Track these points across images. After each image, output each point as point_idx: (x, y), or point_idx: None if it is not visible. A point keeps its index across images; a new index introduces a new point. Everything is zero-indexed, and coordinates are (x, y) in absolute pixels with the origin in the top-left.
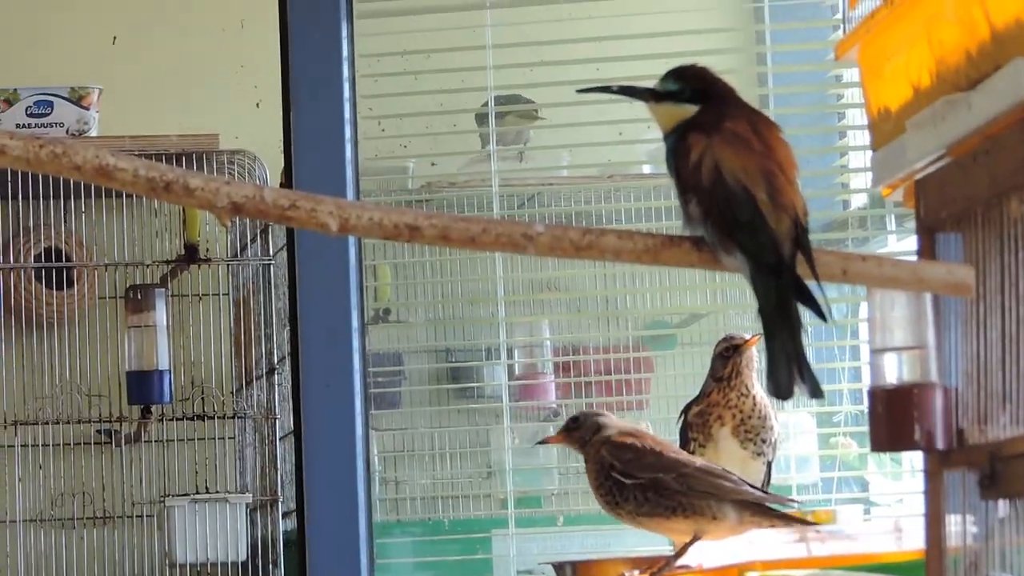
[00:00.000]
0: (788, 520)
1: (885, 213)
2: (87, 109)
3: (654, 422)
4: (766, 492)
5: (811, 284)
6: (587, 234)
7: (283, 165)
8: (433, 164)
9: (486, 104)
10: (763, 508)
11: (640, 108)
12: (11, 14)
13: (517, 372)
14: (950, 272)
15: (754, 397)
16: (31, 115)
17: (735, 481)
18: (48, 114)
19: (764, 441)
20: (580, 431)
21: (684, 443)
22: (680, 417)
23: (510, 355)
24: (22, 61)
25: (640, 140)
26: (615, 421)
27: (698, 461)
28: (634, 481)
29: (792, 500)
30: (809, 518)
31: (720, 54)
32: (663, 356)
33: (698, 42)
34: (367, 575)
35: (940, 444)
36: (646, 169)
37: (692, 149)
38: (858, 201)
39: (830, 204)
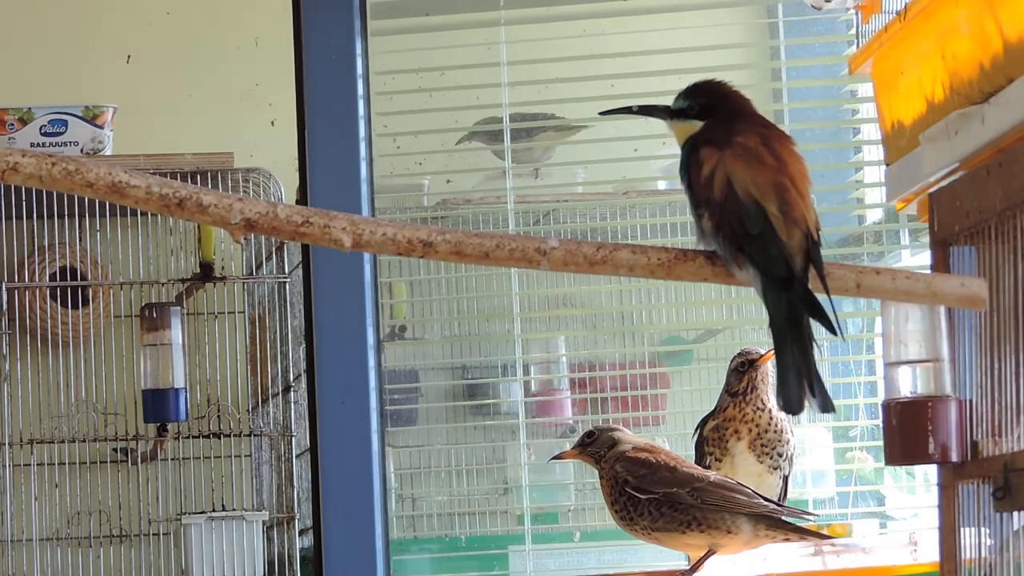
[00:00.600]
0: (803, 533)
1: (900, 228)
2: (101, 128)
3: (670, 438)
4: (781, 505)
5: (823, 299)
6: (601, 249)
7: (298, 183)
8: (448, 181)
9: (495, 120)
10: (778, 521)
11: (655, 124)
12: (25, 33)
13: (533, 388)
14: (964, 285)
15: (770, 411)
16: (45, 134)
17: (749, 494)
18: (62, 133)
19: (780, 455)
20: (594, 446)
21: (700, 458)
22: (696, 432)
23: (526, 371)
24: (36, 80)
25: (655, 156)
26: (630, 436)
27: (712, 475)
28: (648, 496)
29: (807, 513)
30: (824, 531)
31: (735, 69)
32: (679, 372)
33: (713, 58)
34: None
35: (954, 457)
36: (661, 185)
37: (704, 163)
38: (873, 216)
39: (845, 219)
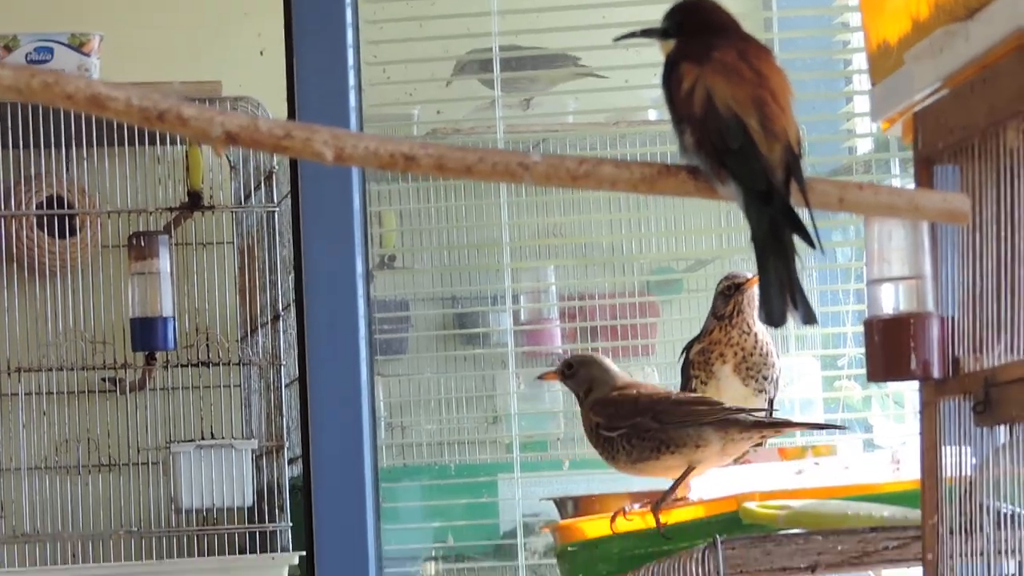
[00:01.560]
0: (776, 426)
1: (890, 157)
2: (88, 56)
3: (660, 367)
4: (742, 409)
5: (804, 214)
6: (584, 163)
7: (286, 112)
8: (439, 112)
9: (486, 51)
10: (746, 424)
11: (645, 54)
12: None
13: (523, 318)
14: (946, 200)
15: (756, 335)
16: (31, 61)
17: (711, 403)
18: (48, 60)
19: (766, 379)
20: (574, 381)
21: (686, 382)
22: (681, 356)
23: (515, 301)
24: (22, 7)
25: (646, 86)
26: (607, 376)
27: (673, 395)
28: (618, 432)
29: (758, 411)
30: (808, 452)
31: None
32: (669, 301)
33: None
34: (373, 520)
35: (936, 373)
36: (652, 115)
37: (684, 79)
38: (864, 146)
39: (835, 149)
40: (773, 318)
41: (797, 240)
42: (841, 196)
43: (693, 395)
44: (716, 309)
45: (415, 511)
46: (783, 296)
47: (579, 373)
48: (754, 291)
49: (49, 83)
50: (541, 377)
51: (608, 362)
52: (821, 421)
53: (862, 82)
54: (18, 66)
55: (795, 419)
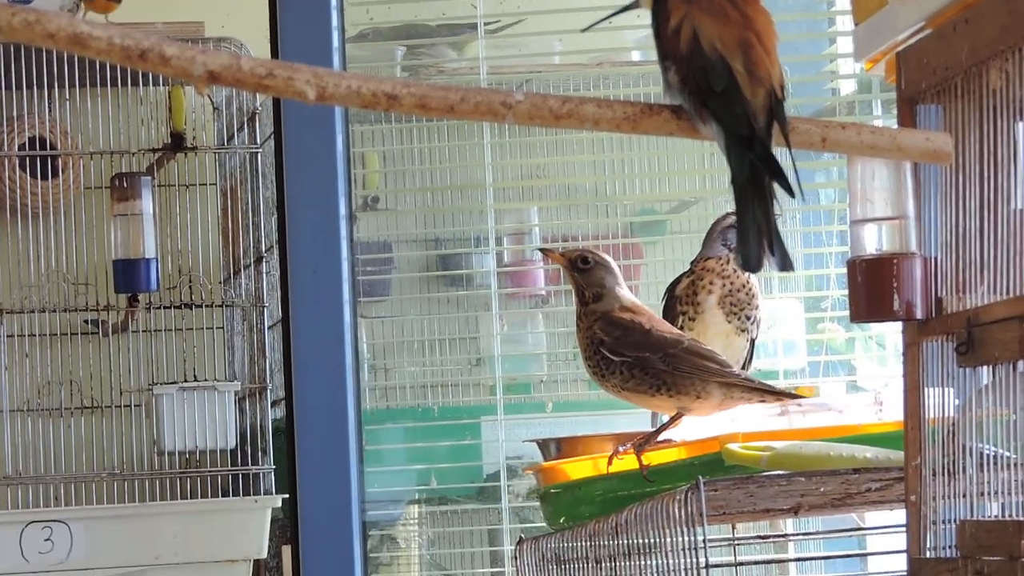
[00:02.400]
0: (776, 395)
1: (872, 98)
2: None
3: None
4: (751, 379)
5: (785, 159)
6: (566, 102)
7: (269, 53)
8: (422, 52)
9: None
10: (750, 388)
11: None
12: None
13: (506, 259)
14: (929, 140)
15: (746, 274)
16: (13, 0)
17: (721, 362)
18: (30, 2)
19: (748, 318)
20: (584, 278)
21: (672, 320)
22: (664, 296)
23: (499, 243)
24: None
25: (630, 27)
26: (617, 289)
27: (686, 340)
28: (621, 359)
29: (781, 393)
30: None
31: None
32: (652, 243)
33: None
34: (356, 462)
35: (919, 313)
36: (636, 56)
37: (671, 15)
38: (847, 87)
39: (819, 90)
40: (750, 263)
41: (778, 187)
42: (824, 136)
43: (706, 348)
44: (705, 245)
45: (398, 453)
46: (760, 241)
47: (593, 272)
48: None
49: (31, 22)
50: (544, 251)
51: (619, 274)
52: (816, 390)
53: (845, 23)
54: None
55: (796, 391)
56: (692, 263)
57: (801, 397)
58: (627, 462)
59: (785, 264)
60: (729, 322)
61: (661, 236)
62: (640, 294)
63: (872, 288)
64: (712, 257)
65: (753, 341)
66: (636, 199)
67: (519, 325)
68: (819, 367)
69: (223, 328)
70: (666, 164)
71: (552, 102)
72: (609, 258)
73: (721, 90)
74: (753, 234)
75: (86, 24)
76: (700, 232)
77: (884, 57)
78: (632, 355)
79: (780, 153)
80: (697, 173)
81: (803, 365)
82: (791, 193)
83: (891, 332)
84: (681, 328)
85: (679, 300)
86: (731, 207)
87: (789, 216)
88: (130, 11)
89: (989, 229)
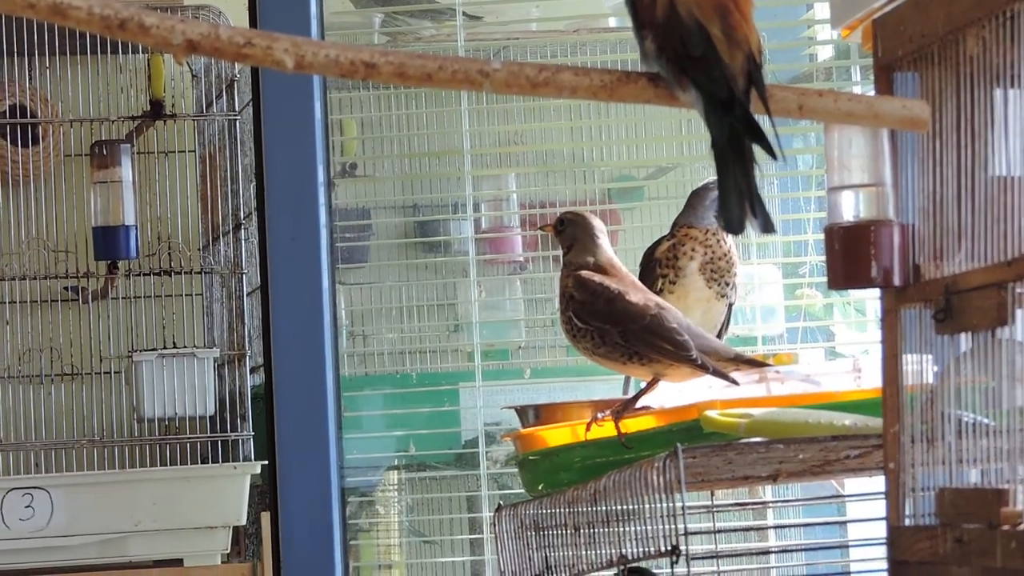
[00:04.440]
0: (750, 364)
1: (851, 64)
2: None
3: None
4: (706, 363)
5: (764, 123)
6: (543, 70)
7: (248, 22)
8: (399, 20)
9: None
10: (721, 356)
11: None
12: None
13: (484, 226)
14: (905, 107)
15: (727, 241)
16: None
17: (680, 343)
18: None
19: (727, 284)
20: (563, 237)
21: (651, 284)
22: (643, 259)
23: (477, 209)
24: None
25: None
26: (591, 242)
27: (650, 313)
28: (585, 326)
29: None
30: (770, 361)
31: None
32: (630, 209)
33: None
34: (335, 428)
35: (897, 280)
36: (612, 22)
37: None
38: (824, 53)
39: (796, 56)
40: (732, 226)
41: (757, 150)
42: (800, 103)
43: (669, 323)
44: (685, 210)
45: (377, 420)
46: (742, 204)
47: (567, 230)
48: None
49: None
50: (543, 228)
51: (599, 227)
52: (776, 355)
53: None
54: None
55: (775, 358)
56: (673, 227)
57: (773, 366)
58: (605, 429)
59: (767, 226)
60: (709, 288)
61: (639, 202)
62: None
63: (849, 255)
64: (696, 226)
65: (731, 306)
66: (613, 165)
67: (497, 291)
68: (797, 333)
69: (202, 295)
70: (643, 130)
71: (529, 70)
72: (586, 215)
73: (699, 55)
74: (735, 197)
75: None
76: (678, 198)
77: (861, 24)
78: (594, 325)
79: (759, 118)
80: (674, 139)
81: (781, 331)
82: (773, 155)
83: (870, 298)
84: (660, 291)
85: (659, 263)
86: (710, 173)
87: (767, 183)
88: None
89: (967, 196)
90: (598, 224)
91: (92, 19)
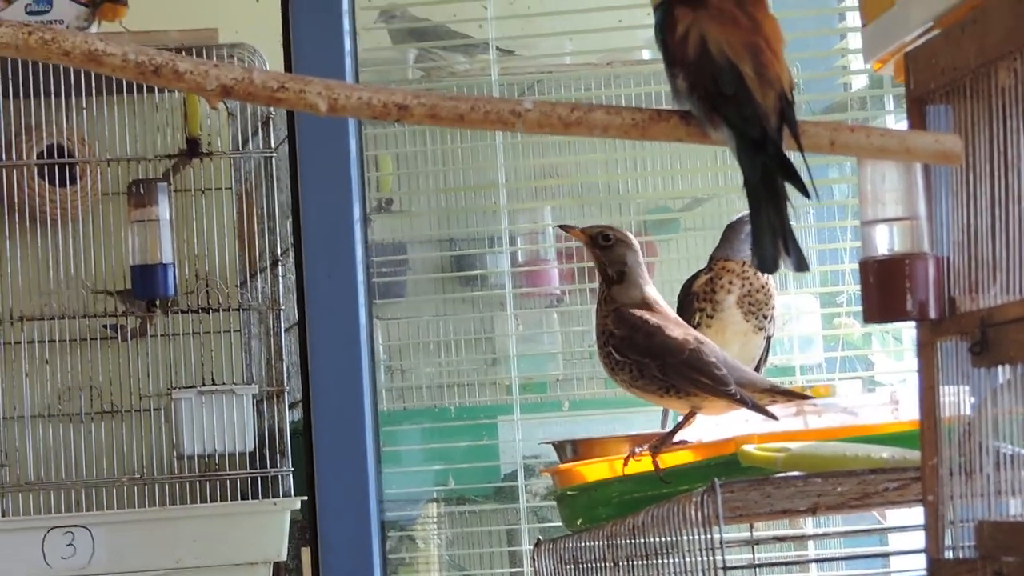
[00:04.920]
0: (787, 395)
1: (884, 94)
2: (86, 6)
3: None
4: (744, 397)
5: (798, 163)
6: (575, 110)
7: (282, 58)
8: (433, 55)
9: None
10: (763, 387)
11: None
12: None
13: (520, 259)
14: (938, 141)
15: (765, 275)
16: (30, 12)
17: (719, 377)
18: (47, 11)
19: (766, 317)
20: (607, 254)
21: (689, 316)
22: (680, 292)
23: (513, 242)
24: None
25: (640, 26)
26: (640, 275)
27: (689, 348)
28: (624, 359)
29: (770, 415)
30: (808, 392)
31: None
32: (666, 241)
33: None
34: (374, 463)
35: (932, 313)
36: (646, 55)
37: (679, 22)
38: (858, 83)
39: (830, 86)
40: (766, 264)
41: (790, 187)
42: (832, 139)
43: (708, 357)
44: (722, 244)
45: (416, 454)
46: (775, 243)
47: (615, 249)
48: None
49: (47, 40)
50: (564, 228)
51: (642, 257)
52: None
53: (856, 18)
54: (15, 23)
55: (812, 391)
56: (710, 261)
57: (811, 398)
58: (643, 464)
59: (801, 265)
60: (747, 321)
61: (675, 234)
62: None
63: (884, 289)
64: (733, 259)
65: (769, 338)
66: (649, 197)
67: (534, 324)
68: (836, 363)
69: (240, 331)
70: (678, 161)
71: (561, 110)
72: (632, 237)
73: (732, 94)
74: (768, 236)
75: (100, 41)
76: (714, 229)
77: (893, 58)
78: (633, 359)
79: (791, 154)
80: (709, 170)
81: (820, 361)
82: (806, 194)
83: (908, 326)
84: (698, 325)
85: (696, 297)
86: (745, 204)
87: (802, 212)
88: (146, 19)
89: (1001, 229)
90: (638, 246)
91: (127, 66)
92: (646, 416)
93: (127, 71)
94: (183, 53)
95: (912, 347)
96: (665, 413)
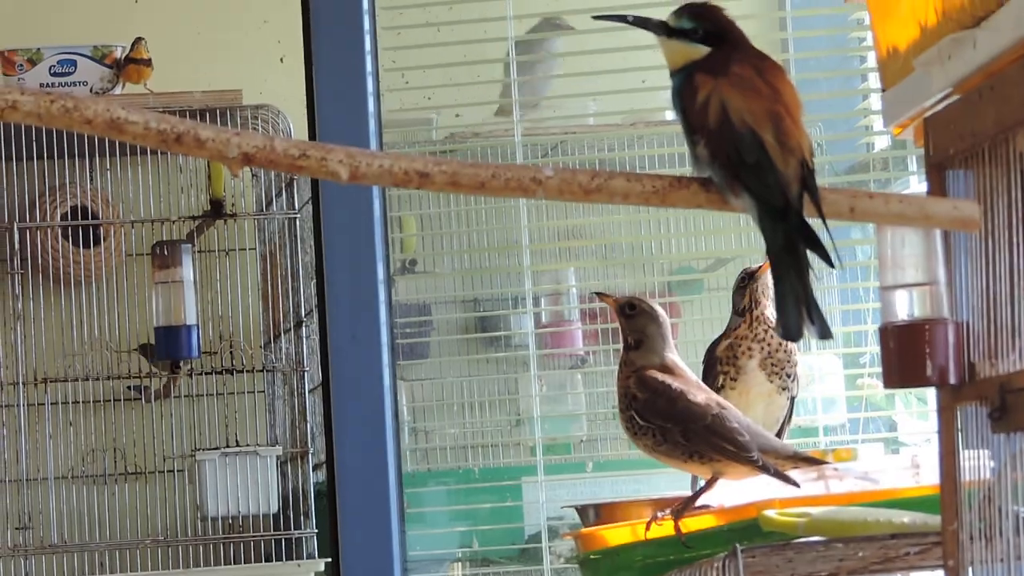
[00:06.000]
0: (809, 462)
1: (907, 155)
2: (111, 67)
3: None
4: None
5: (820, 229)
6: (596, 177)
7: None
8: (457, 115)
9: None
10: (776, 458)
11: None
12: None
13: (544, 320)
14: (956, 208)
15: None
16: (55, 74)
17: (742, 444)
18: (71, 73)
19: (789, 376)
20: (629, 323)
21: (713, 379)
22: (705, 357)
23: (536, 303)
24: (47, 20)
25: (663, 87)
26: (661, 341)
27: (712, 413)
28: (647, 424)
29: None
30: (829, 455)
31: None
32: (690, 301)
33: None
34: (397, 525)
35: (952, 379)
36: (669, 116)
37: (699, 90)
38: (881, 143)
39: (853, 147)
40: (790, 332)
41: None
42: (852, 206)
43: (731, 423)
44: (736, 305)
45: (440, 515)
46: (799, 310)
47: (637, 319)
48: (767, 280)
49: (68, 108)
50: (600, 296)
51: (667, 322)
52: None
53: (878, 80)
54: (37, 92)
55: (822, 457)
56: (726, 328)
57: (832, 464)
58: (665, 528)
59: (824, 332)
60: (771, 382)
61: (698, 294)
62: (679, 353)
63: (904, 354)
64: (739, 324)
65: (793, 399)
66: (672, 258)
67: (558, 385)
68: (859, 423)
69: (264, 392)
70: (701, 223)
71: (581, 177)
72: (660, 310)
73: (753, 163)
74: (792, 303)
75: (122, 109)
76: None
77: (912, 123)
78: (656, 423)
79: (813, 221)
80: (732, 231)
81: (843, 421)
82: (829, 263)
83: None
84: (721, 388)
85: (719, 361)
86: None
87: (825, 273)
88: (170, 81)
89: (1019, 294)
90: (666, 319)
91: (149, 134)
92: (670, 477)
93: (149, 139)
94: (207, 115)
95: (935, 408)
96: (694, 478)
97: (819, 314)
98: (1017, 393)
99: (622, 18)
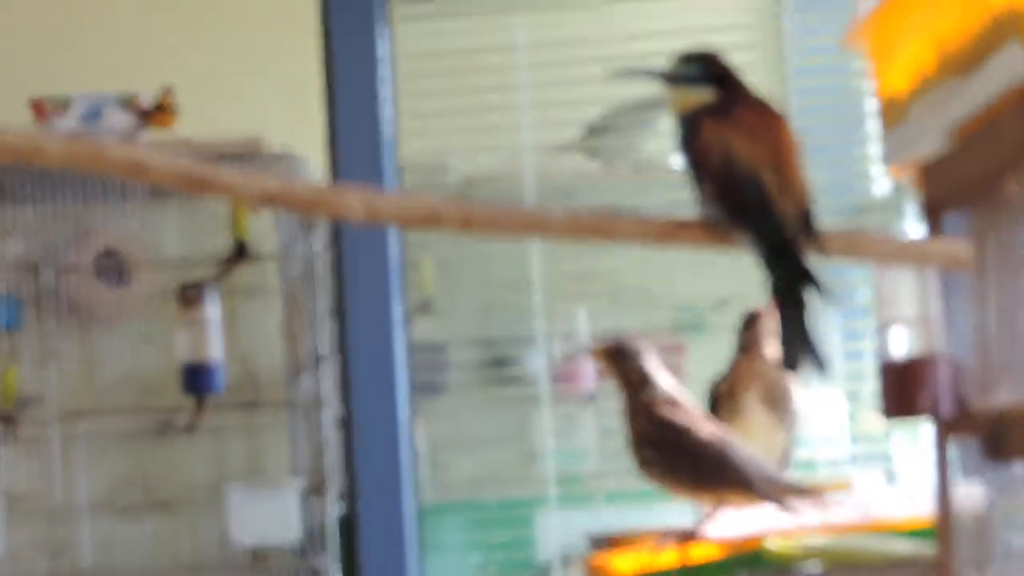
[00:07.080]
0: (807, 493)
1: (905, 198)
2: (137, 114)
3: None
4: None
5: (820, 268)
6: (602, 218)
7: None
8: (474, 160)
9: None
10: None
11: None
12: (62, 20)
13: (556, 357)
14: (951, 248)
15: (779, 368)
16: (83, 120)
17: (747, 474)
18: (98, 119)
19: (787, 410)
20: (624, 367)
21: (714, 413)
22: (709, 393)
23: (549, 343)
24: (73, 68)
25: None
26: (656, 374)
27: (716, 446)
28: (655, 455)
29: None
30: (828, 489)
31: (743, 31)
32: (695, 340)
33: (719, 28)
34: (414, 555)
35: (946, 412)
36: (675, 164)
37: (703, 134)
38: (880, 187)
39: (853, 188)
40: (791, 364)
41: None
42: (851, 246)
43: (736, 456)
44: (739, 343)
45: (456, 545)
46: (801, 347)
47: (632, 360)
48: (769, 321)
49: (92, 152)
50: (591, 354)
51: (651, 349)
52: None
53: (878, 125)
54: (63, 136)
55: (821, 488)
56: (731, 363)
57: (823, 493)
58: (670, 558)
59: (822, 366)
60: (771, 415)
61: (703, 333)
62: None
63: (901, 388)
64: (740, 362)
65: (793, 431)
66: (678, 298)
67: (570, 421)
68: (859, 456)
69: (287, 427)
70: (707, 263)
71: (588, 218)
72: (641, 340)
73: (755, 205)
74: (794, 339)
75: (146, 152)
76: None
77: (910, 166)
78: (664, 455)
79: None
80: (736, 271)
81: (843, 454)
82: (828, 301)
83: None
84: (724, 421)
85: (722, 395)
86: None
87: (827, 310)
88: (194, 127)
89: (1008, 331)
90: (649, 347)
91: (170, 176)
92: (679, 508)
93: (171, 181)
94: (228, 160)
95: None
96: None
97: (819, 350)
98: (1009, 425)
99: (646, 72)
